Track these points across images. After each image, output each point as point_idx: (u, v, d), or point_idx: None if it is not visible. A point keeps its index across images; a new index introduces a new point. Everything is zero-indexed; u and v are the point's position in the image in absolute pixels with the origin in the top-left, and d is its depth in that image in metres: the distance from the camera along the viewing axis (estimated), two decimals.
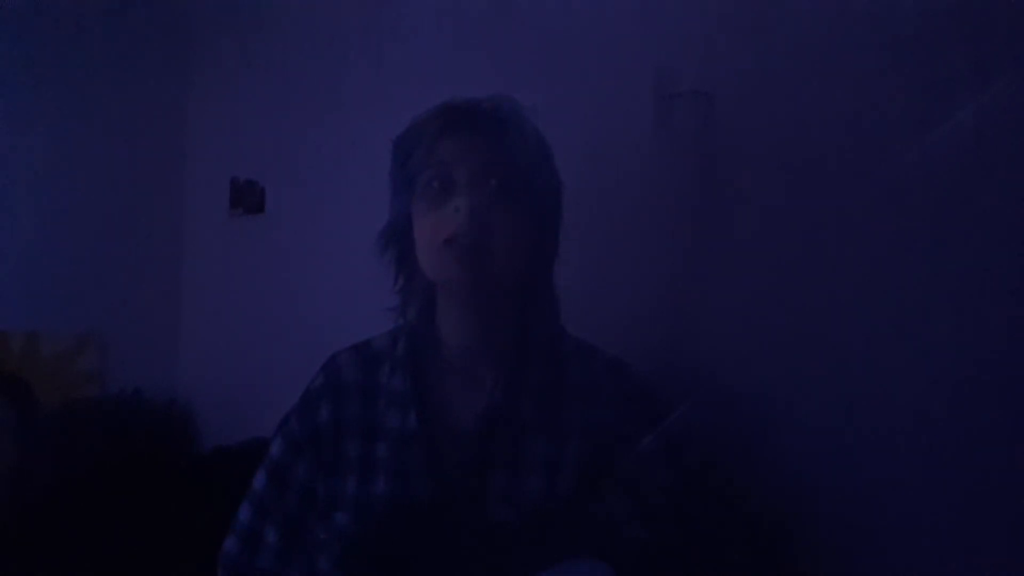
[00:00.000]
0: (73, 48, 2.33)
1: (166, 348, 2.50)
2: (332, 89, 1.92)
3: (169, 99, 2.49)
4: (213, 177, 2.34)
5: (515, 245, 0.97)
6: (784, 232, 1.09)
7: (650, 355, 1.09)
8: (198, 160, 2.49)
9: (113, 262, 2.41)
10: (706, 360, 1.16)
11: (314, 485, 1.03)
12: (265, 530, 1.05)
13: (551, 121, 1.02)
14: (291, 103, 2.07)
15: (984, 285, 0.90)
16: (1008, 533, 0.87)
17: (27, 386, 2.11)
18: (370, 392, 1.03)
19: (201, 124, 2.47)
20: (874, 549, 0.96)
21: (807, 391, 1.03)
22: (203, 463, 1.91)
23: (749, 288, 1.12)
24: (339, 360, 1.06)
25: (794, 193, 1.08)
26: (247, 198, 2.23)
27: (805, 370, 1.04)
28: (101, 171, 2.40)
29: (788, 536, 1.02)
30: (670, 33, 1.21)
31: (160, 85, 2.47)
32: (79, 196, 2.37)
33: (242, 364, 2.24)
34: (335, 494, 1.01)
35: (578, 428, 0.98)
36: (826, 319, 1.03)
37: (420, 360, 1.03)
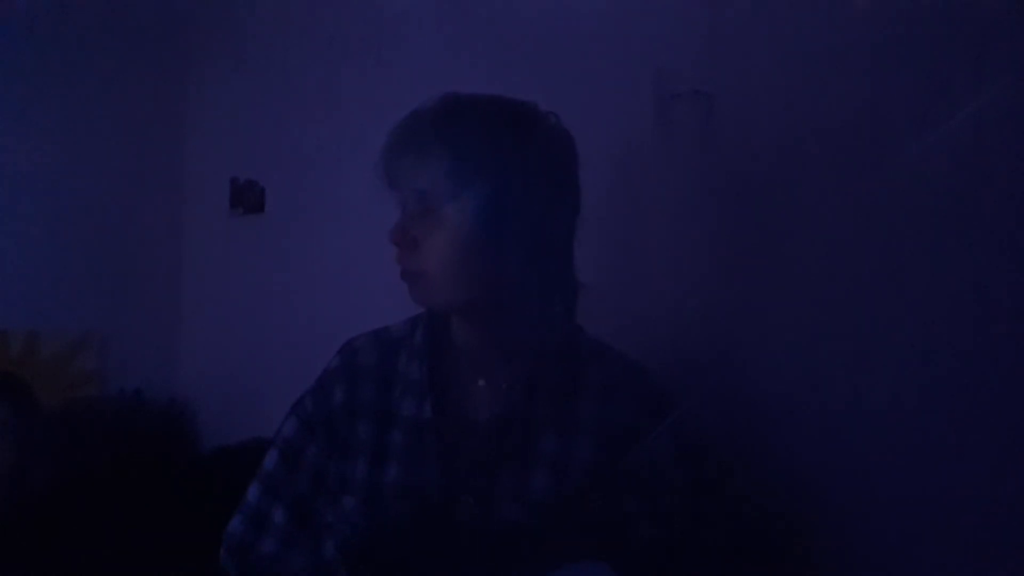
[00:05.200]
0: (73, 48, 2.33)
1: (166, 348, 2.50)
2: (332, 89, 1.92)
3: (169, 99, 2.49)
4: (213, 177, 2.34)
5: (450, 275, 0.95)
6: (784, 232, 1.09)
7: (648, 354, 1.09)
8: (198, 160, 2.49)
9: (113, 262, 2.41)
10: (704, 359, 1.16)
11: (325, 467, 1.02)
12: (273, 510, 1.05)
13: None
14: (291, 103, 2.08)
15: (986, 285, 0.90)
16: (1014, 534, 0.87)
17: (27, 386, 2.11)
18: (386, 377, 1.02)
19: (201, 124, 2.47)
20: (886, 552, 0.96)
21: (813, 391, 1.03)
22: (203, 463, 1.91)
23: (749, 288, 1.12)
24: (357, 343, 1.06)
25: (794, 193, 1.08)
26: (247, 198, 2.23)
27: (808, 370, 1.04)
28: (101, 171, 2.40)
29: (799, 538, 1.02)
30: (670, 33, 1.21)
31: (160, 85, 2.47)
32: (79, 196, 2.37)
33: (242, 364, 2.24)
34: (345, 477, 1.00)
35: (591, 428, 0.97)
36: (826, 318, 1.03)
37: (437, 350, 1.02)
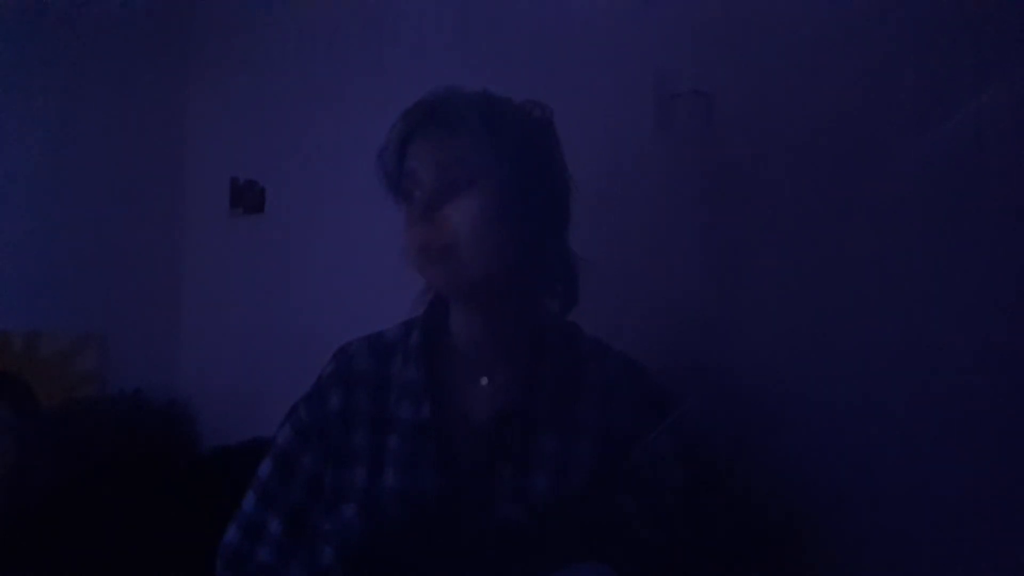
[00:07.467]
0: (73, 48, 2.33)
1: (166, 348, 2.50)
2: (332, 89, 1.92)
3: (169, 99, 2.49)
4: (213, 177, 2.34)
5: (482, 245, 0.94)
6: (784, 232, 1.09)
7: (647, 353, 1.09)
8: (198, 160, 2.49)
9: (113, 262, 2.41)
10: (704, 358, 1.16)
11: (321, 475, 1.02)
12: (269, 520, 1.04)
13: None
14: (291, 103, 2.07)
15: (986, 284, 0.90)
16: (1014, 534, 0.87)
17: (27, 386, 2.11)
18: (382, 382, 1.02)
19: (201, 124, 2.47)
20: (886, 552, 0.96)
21: (814, 390, 1.03)
22: (203, 463, 1.91)
23: (748, 287, 1.12)
24: (351, 349, 1.06)
25: (794, 193, 1.08)
26: (247, 198, 2.23)
27: (809, 369, 1.04)
28: (101, 171, 2.40)
29: (799, 538, 1.02)
30: (670, 33, 1.21)
31: (160, 85, 2.47)
32: (79, 196, 2.37)
33: (242, 364, 2.24)
34: (343, 485, 1.00)
35: (591, 427, 0.97)
36: (826, 317, 1.03)
37: (433, 352, 1.02)
